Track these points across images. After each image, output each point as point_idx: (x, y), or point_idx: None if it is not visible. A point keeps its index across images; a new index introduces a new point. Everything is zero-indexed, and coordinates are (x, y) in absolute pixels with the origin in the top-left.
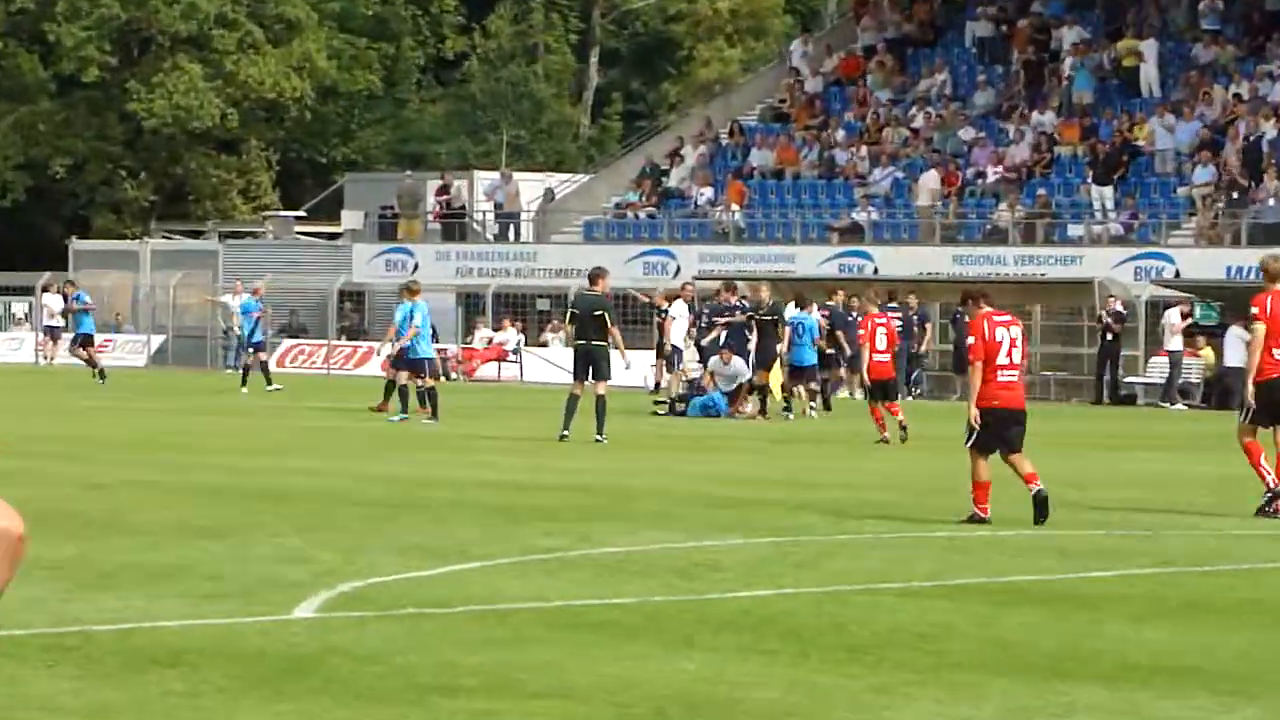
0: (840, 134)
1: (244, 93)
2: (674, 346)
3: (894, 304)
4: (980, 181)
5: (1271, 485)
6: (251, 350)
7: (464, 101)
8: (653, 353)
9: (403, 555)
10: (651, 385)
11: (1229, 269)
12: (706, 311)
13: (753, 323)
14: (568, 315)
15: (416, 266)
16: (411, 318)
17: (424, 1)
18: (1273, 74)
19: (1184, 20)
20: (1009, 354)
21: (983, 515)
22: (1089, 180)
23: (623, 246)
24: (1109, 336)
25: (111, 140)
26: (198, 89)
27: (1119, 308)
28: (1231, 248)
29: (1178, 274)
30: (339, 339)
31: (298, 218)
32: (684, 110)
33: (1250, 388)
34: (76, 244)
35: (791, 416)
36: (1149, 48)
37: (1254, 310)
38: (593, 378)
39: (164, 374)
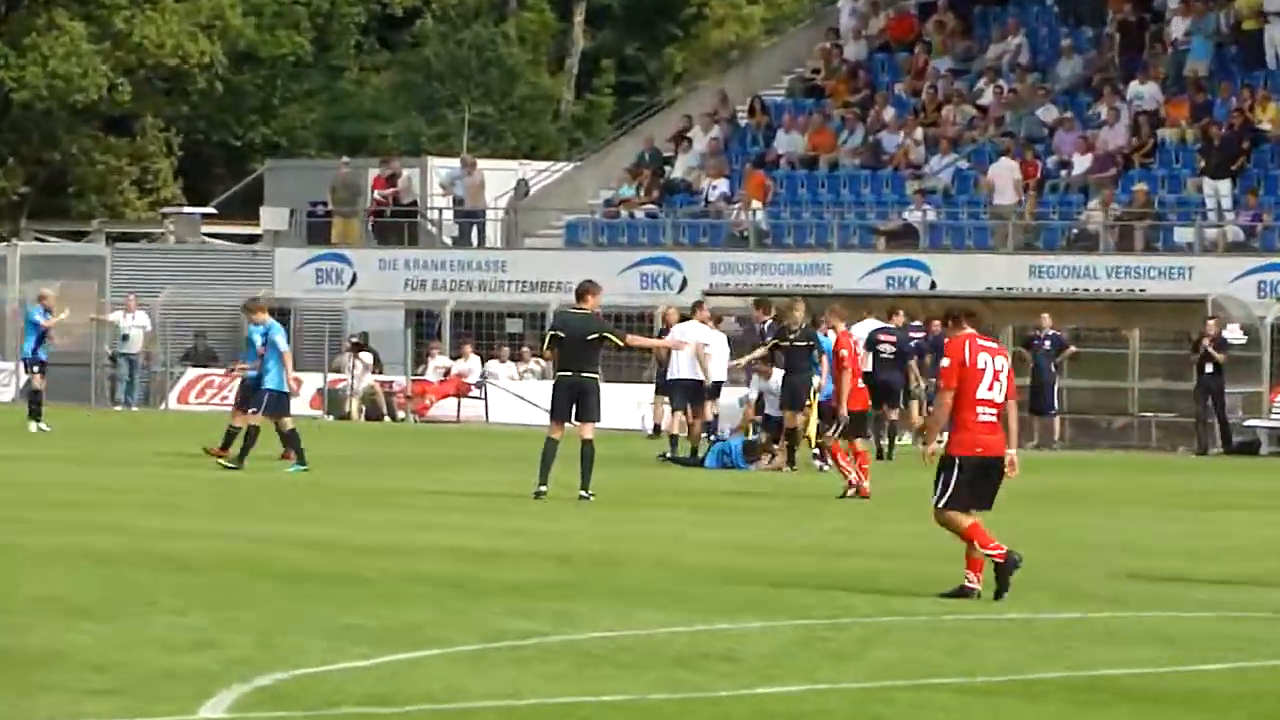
0: (889, 113)
1: (139, 59)
2: (676, 381)
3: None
4: (1064, 174)
5: None
6: (36, 372)
7: (415, 71)
8: (650, 387)
9: (337, 640)
10: (649, 428)
11: None
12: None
13: (778, 351)
14: (547, 339)
15: (355, 278)
16: (272, 343)
17: None
18: None
19: None
20: (991, 387)
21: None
22: (1200, 172)
23: (615, 253)
24: (1210, 368)
25: None
26: (80, 53)
27: (1228, 332)
28: None
29: None
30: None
31: (206, 215)
32: (692, 83)
33: None
34: None
35: (827, 467)
36: (1277, 6)
37: None
38: (578, 418)
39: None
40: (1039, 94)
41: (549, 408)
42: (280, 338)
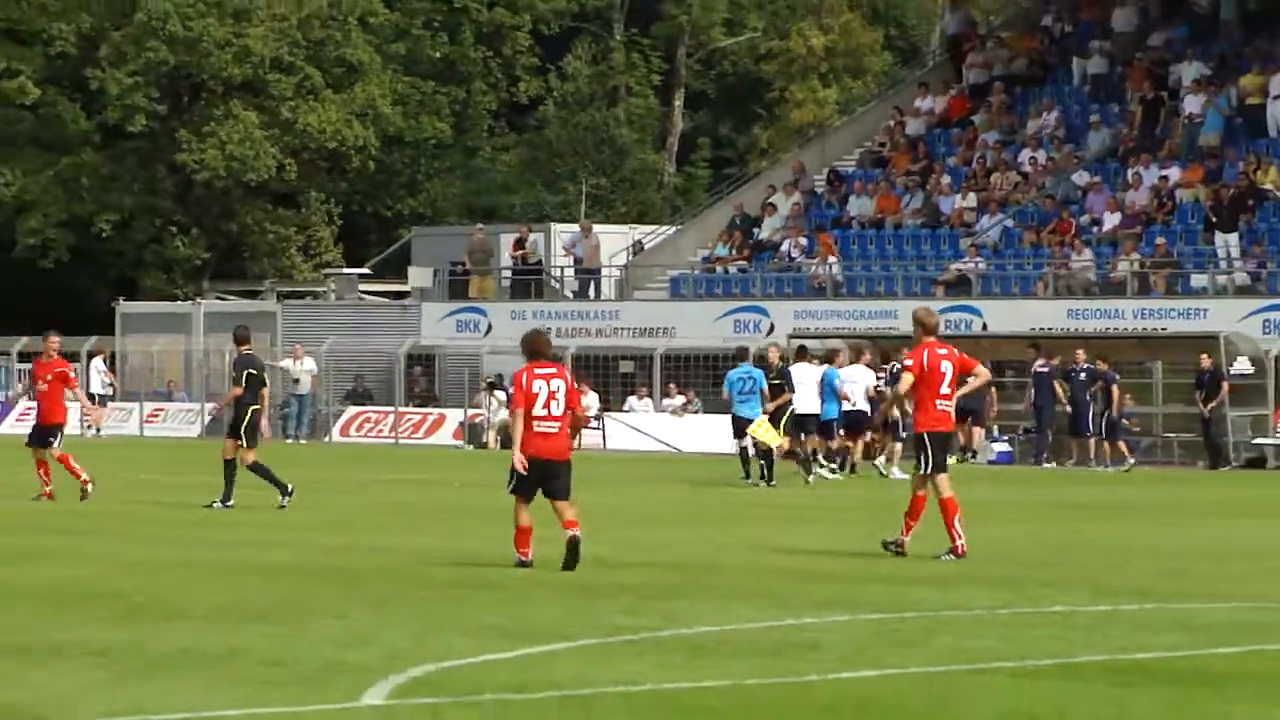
0: (945, 179)
1: (302, 142)
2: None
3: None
4: (1096, 230)
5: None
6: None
7: (539, 149)
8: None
9: (479, 637)
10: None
11: None
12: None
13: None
14: (248, 377)
15: (490, 327)
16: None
17: (496, 42)
18: None
19: None
20: (547, 405)
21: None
22: (1212, 227)
23: (712, 303)
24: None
25: (160, 194)
26: (253, 138)
27: (1237, 364)
28: None
29: None
30: (407, 405)
31: (362, 275)
32: (776, 156)
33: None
34: (124, 306)
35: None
36: (1277, 83)
37: (907, 363)
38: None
39: (219, 445)
40: (1073, 161)
41: (243, 434)
42: None
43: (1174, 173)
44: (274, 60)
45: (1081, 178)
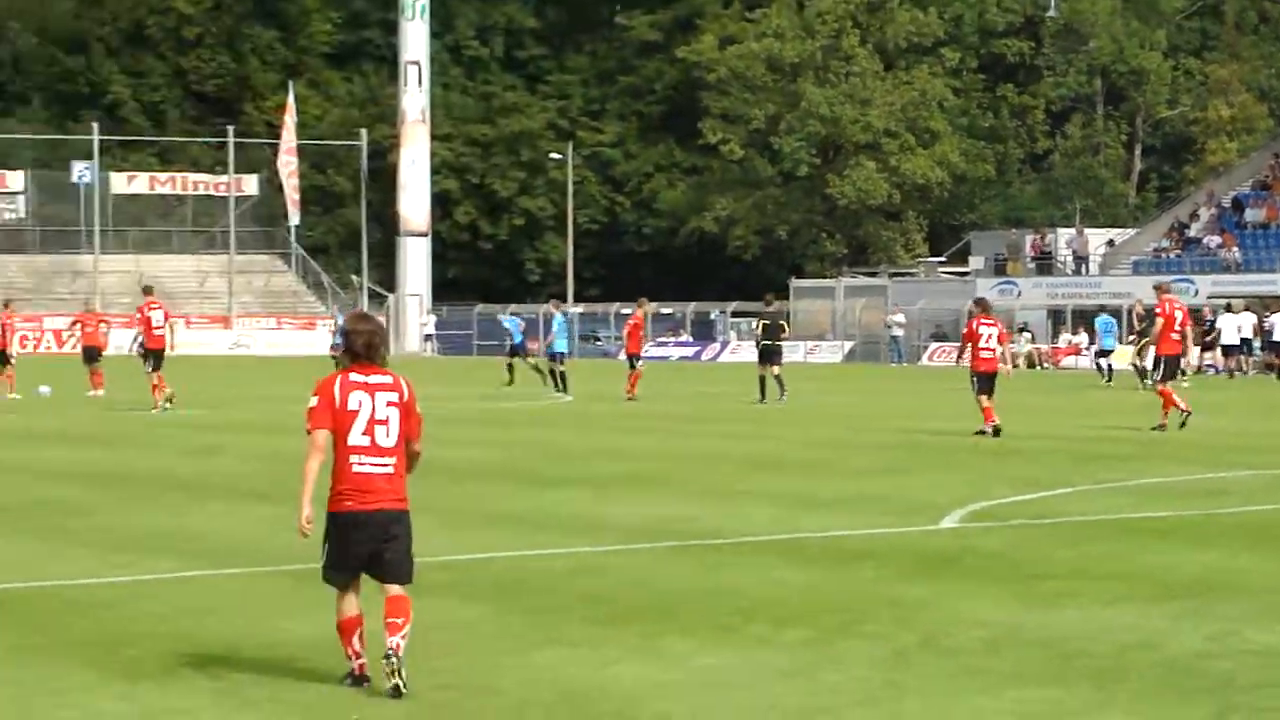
0: None
1: (903, 180)
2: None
3: None
4: None
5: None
6: (557, 357)
7: (1050, 183)
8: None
9: (1012, 485)
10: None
11: None
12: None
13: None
14: (764, 326)
15: (1020, 293)
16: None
17: (1022, 116)
18: None
19: None
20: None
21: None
22: None
23: (1159, 277)
24: None
25: (816, 213)
26: (872, 178)
27: None
28: None
29: None
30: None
31: (940, 262)
32: (1199, 185)
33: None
34: (795, 283)
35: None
36: None
37: (1157, 311)
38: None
39: (852, 368)
40: None
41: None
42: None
43: None
44: (886, 130)
45: None
